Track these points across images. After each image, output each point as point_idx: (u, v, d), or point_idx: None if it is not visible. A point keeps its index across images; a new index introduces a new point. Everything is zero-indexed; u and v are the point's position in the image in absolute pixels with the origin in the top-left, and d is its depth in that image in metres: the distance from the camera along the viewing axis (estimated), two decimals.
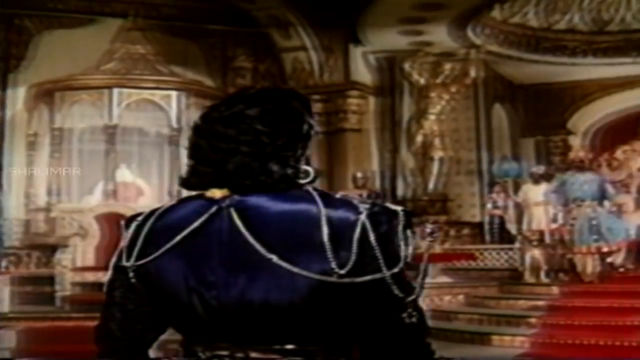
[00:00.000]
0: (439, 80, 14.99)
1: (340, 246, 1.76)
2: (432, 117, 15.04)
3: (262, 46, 14.31)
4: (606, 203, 12.36)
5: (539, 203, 14.70)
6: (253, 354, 1.82)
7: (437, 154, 15.02)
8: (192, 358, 1.89)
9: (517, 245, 13.79)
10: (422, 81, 15.03)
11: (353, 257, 1.75)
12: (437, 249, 14.17)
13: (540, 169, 15.11)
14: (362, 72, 14.93)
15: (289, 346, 1.82)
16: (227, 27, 14.09)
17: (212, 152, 1.89)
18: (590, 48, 15.81)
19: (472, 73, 15.01)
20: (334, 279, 1.74)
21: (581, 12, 15.66)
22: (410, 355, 1.85)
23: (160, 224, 1.94)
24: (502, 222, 14.91)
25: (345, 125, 14.81)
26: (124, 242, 2.00)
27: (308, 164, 1.96)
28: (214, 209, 1.86)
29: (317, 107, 14.80)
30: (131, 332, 2.00)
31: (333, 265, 1.74)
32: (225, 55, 14.19)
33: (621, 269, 12.45)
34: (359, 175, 13.64)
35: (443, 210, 14.85)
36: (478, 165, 15.78)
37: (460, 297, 12.71)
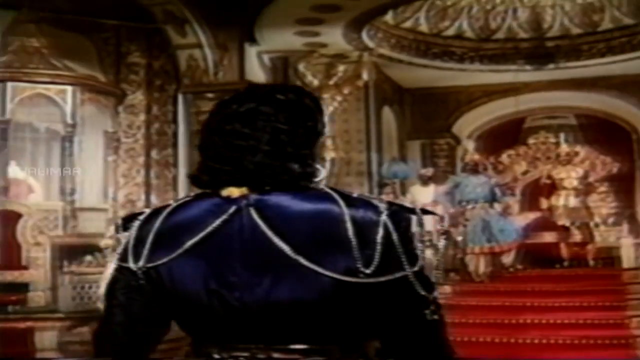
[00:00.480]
0: (332, 82, 15.39)
1: (365, 246, 1.81)
2: (325, 118, 15.44)
3: (157, 42, 14.22)
4: (496, 205, 13.19)
5: (427, 204, 15.47)
6: (275, 355, 1.85)
7: (329, 155, 15.39)
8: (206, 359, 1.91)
9: None
10: (315, 82, 15.36)
11: (377, 257, 1.81)
12: None
13: (429, 171, 15.88)
14: (257, 71, 15.09)
15: (310, 346, 1.86)
16: (121, 22, 14.01)
17: (229, 149, 1.92)
18: (477, 54, 16.58)
19: (365, 76, 15.45)
20: (359, 278, 1.80)
21: (470, 20, 16.41)
22: (433, 352, 1.92)
23: (170, 224, 1.94)
24: None
25: None
26: (123, 243, 2.01)
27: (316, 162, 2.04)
28: (232, 208, 1.88)
29: (210, 105, 14.88)
30: (134, 335, 2.01)
31: (358, 265, 1.80)
32: (119, 50, 14.04)
33: (511, 269, 13.23)
34: None
35: None
36: (368, 167, 16.23)
37: None
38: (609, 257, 13.12)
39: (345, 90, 15.50)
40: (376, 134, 16.42)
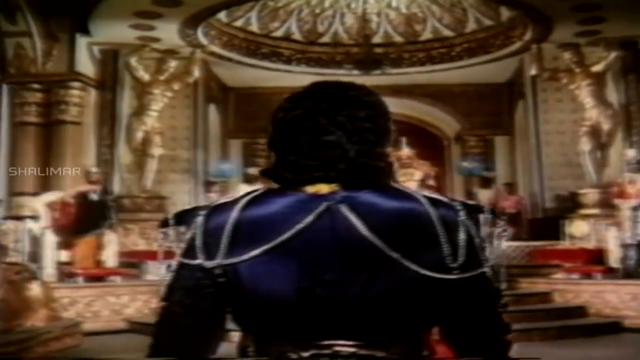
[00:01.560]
0: (163, 78, 15.32)
1: (452, 244, 1.85)
2: (154, 114, 15.30)
3: None
4: None
5: None
6: (361, 351, 1.86)
7: (157, 151, 15.33)
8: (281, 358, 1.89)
9: None
10: (146, 77, 15.26)
11: (463, 254, 1.85)
12: (154, 246, 14.62)
13: (255, 170, 16.14)
14: (86, 63, 14.78)
15: (393, 341, 1.88)
16: None
17: (316, 146, 1.90)
18: (304, 57, 17.15)
19: (196, 73, 15.54)
20: (448, 275, 1.84)
21: (298, 22, 16.94)
22: (498, 343, 1.98)
23: (248, 220, 1.89)
24: None
25: (65, 117, 14.52)
26: (186, 239, 1.93)
27: None
28: (322, 205, 1.85)
29: (37, 97, 14.48)
30: (200, 337, 1.96)
31: (448, 261, 1.84)
32: None
33: None
34: (94, 170, 13.54)
35: (160, 208, 15.18)
36: (193, 165, 16.34)
37: None
38: None
39: (175, 87, 15.47)
40: (203, 132, 16.47)
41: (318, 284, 1.82)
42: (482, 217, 1.94)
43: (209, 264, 1.87)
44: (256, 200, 1.92)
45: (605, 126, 14.94)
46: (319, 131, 1.90)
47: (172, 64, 15.36)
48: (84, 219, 12.77)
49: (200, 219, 1.91)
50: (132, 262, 13.57)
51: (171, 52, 15.29)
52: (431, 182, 14.77)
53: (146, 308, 12.50)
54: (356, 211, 1.83)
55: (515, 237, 13.86)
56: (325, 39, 17.21)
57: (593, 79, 14.98)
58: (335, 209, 1.84)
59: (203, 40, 15.32)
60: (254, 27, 16.53)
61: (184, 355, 1.94)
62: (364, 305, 1.83)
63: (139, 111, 15.49)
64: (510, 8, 14.89)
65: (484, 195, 16.50)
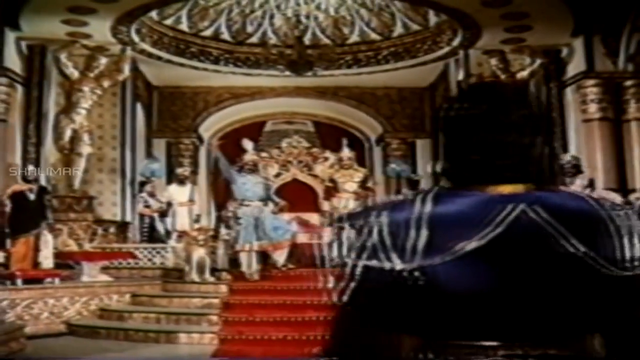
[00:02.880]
0: (92, 75, 15.02)
1: (625, 242, 1.88)
2: (83, 111, 14.98)
3: None
4: (270, 204, 13.70)
5: (183, 203, 15.64)
6: (551, 351, 1.89)
7: (85, 150, 15.02)
8: None
9: (172, 244, 14.50)
10: (76, 74, 14.92)
11: (637, 252, 1.88)
12: (87, 247, 14.38)
13: (186, 170, 16.05)
14: (14, 59, 14.37)
15: (575, 340, 1.91)
16: None
17: (500, 147, 1.92)
18: (232, 57, 17.11)
19: (125, 70, 15.32)
20: (629, 272, 1.87)
21: (228, 22, 16.89)
22: None
23: (436, 221, 1.88)
24: (152, 221, 15.48)
25: None
26: (369, 240, 1.91)
27: None
28: (510, 205, 1.86)
29: None
30: (376, 342, 1.94)
31: (626, 259, 1.87)
32: None
33: (283, 268, 13.71)
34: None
35: (88, 208, 14.91)
36: (121, 164, 16.11)
37: (127, 296, 13.01)
38: None
39: (105, 84, 15.18)
40: (130, 131, 16.24)
41: (514, 285, 1.84)
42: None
43: (405, 266, 1.85)
44: (436, 200, 1.91)
45: None
46: (499, 131, 1.92)
47: (102, 61, 15.07)
48: (21, 219, 12.45)
49: (383, 219, 1.90)
50: (68, 264, 13.31)
51: (101, 49, 15.01)
52: (370, 184, 15.09)
53: (85, 310, 12.32)
54: (544, 211, 1.85)
55: None
56: (254, 39, 17.23)
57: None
58: (522, 209, 1.85)
59: (134, 37, 15.11)
60: (184, 25, 16.41)
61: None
62: (555, 305, 1.86)
63: (67, 109, 15.15)
64: (442, 14, 15.21)
65: None
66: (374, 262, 1.89)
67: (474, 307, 1.86)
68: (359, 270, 1.91)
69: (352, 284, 1.92)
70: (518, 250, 1.85)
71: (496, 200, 1.88)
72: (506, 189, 1.90)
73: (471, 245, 1.82)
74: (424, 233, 1.85)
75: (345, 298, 1.93)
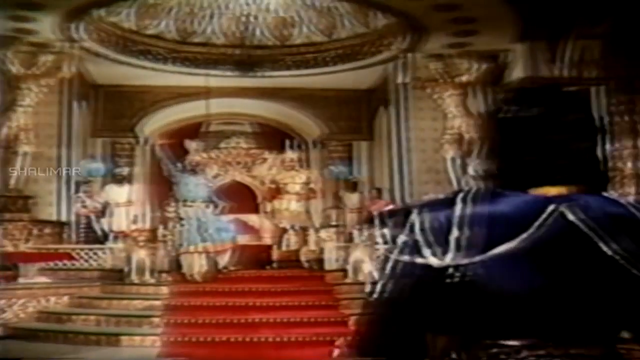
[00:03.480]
0: (32, 72, 14.70)
1: None
2: (21, 109, 14.68)
3: None
4: (212, 206, 13.63)
5: (121, 204, 15.43)
6: (572, 351, 1.91)
7: (22, 149, 14.71)
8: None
9: (111, 244, 14.27)
10: (15, 71, 14.58)
11: None
12: (23, 247, 14.06)
13: (125, 170, 15.83)
14: None
15: (601, 341, 1.95)
16: None
17: (563, 150, 1.97)
18: (178, 56, 16.92)
19: (66, 68, 15.01)
20: None
21: (172, 21, 16.71)
22: None
23: (475, 219, 1.90)
24: (90, 221, 15.20)
25: None
26: (405, 238, 1.93)
27: None
28: (551, 207, 1.89)
29: None
30: (405, 339, 1.96)
31: None
32: None
33: (225, 270, 13.64)
34: None
35: (25, 207, 14.58)
36: (58, 163, 15.78)
37: (66, 298, 12.79)
38: (320, 259, 14.06)
39: (45, 82, 14.87)
40: (67, 130, 15.93)
41: (550, 285, 1.88)
42: None
43: (440, 262, 1.87)
44: (475, 199, 1.94)
45: (468, 135, 15.71)
46: (554, 133, 1.97)
47: (43, 58, 14.77)
48: None
49: (415, 217, 1.93)
50: (5, 265, 13.01)
51: (45, 46, 14.67)
52: (313, 185, 15.11)
53: (23, 312, 12.08)
54: (580, 215, 1.88)
55: None
56: (200, 38, 17.07)
57: (459, 89, 15.73)
58: (560, 211, 1.88)
59: (82, 35, 14.83)
60: (131, 23, 16.18)
61: (392, 357, 1.95)
62: (589, 306, 1.89)
63: (7, 106, 14.85)
64: (390, 17, 15.26)
65: (351, 199, 16.98)
66: (413, 259, 1.91)
67: (504, 307, 1.89)
68: (399, 266, 1.93)
69: (386, 280, 1.95)
70: (555, 252, 1.88)
71: (539, 201, 1.91)
72: (551, 190, 1.94)
73: (509, 245, 1.85)
74: (457, 233, 1.88)
75: (376, 295, 1.95)
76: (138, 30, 16.50)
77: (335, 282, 13.36)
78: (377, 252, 13.28)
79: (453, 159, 15.72)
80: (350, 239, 14.79)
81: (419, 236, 1.91)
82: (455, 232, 1.88)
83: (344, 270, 13.62)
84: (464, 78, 15.66)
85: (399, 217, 1.97)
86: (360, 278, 13.04)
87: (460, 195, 1.95)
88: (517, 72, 15.36)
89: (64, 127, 15.98)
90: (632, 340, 2.04)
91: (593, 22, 14.05)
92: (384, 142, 18.00)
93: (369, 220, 2.01)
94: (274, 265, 14.36)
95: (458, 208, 1.91)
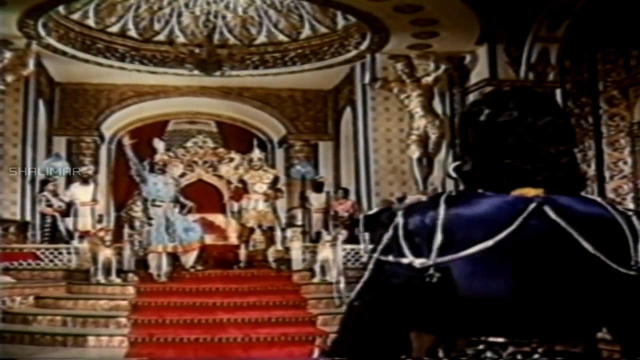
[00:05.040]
0: None
1: (635, 246, 1.97)
2: None
3: None
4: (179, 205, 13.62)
5: (85, 203, 15.35)
6: (557, 347, 1.95)
7: None
8: (483, 356, 1.95)
9: (76, 244, 14.16)
10: None
11: None
12: None
13: (90, 169, 15.75)
14: None
15: (576, 340, 1.99)
16: None
17: (528, 152, 2.01)
18: (139, 54, 16.84)
19: (30, 65, 14.86)
20: (635, 273, 1.95)
21: (135, 19, 16.61)
22: None
23: (457, 220, 1.94)
24: (55, 221, 15.08)
25: None
26: (386, 237, 1.98)
27: None
28: (531, 207, 1.93)
29: None
30: (386, 339, 1.97)
31: (634, 262, 1.95)
32: None
33: (192, 270, 13.62)
34: None
35: None
36: (22, 162, 15.69)
37: (31, 298, 12.69)
38: (287, 259, 14.10)
39: (8, 79, 14.70)
40: (33, 128, 15.79)
41: (534, 282, 1.91)
42: None
43: (421, 262, 1.91)
44: (457, 200, 1.99)
45: (433, 136, 15.79)
46: (531, 136, 2.00)
47: (7, 55, 14.58)
48: None
49: (399, 219, 1.97)
50: None
51: (6, 43, 14.51)
52: (279, 185, 15.14)
53: None
54: (561, 214, 1.93)
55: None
56: (161, 37, 17.02)
57: (422, 90, 15.74)
58: (542, 210, 1.93)
59: (41, 31, 14.68)
60: (90, 21, 16.05)
61: (371, 356, 1.97)
62: (569, 304, 1.94)
63: None
64: (351, 17, 15.36)
65: (316, 199, 17.05)
66: (397, 259, 1.94)
67: (487, 305, 1.92)
68: (383, 266, 1.96)
69: (369, 281, 1.97)
70: (537, 249, 1.92)
71: (520, 201, 1.95)
72: (531, 191, 1.97)
73: (485, 244, 1.89)
74: (440, 233, 1.91)
75: (359, 295, 1.97)
76: (100, 28, 16.37)
77: (303, 282, 13.41)
78: (344, 252, 13.47)
79: (419, 159, 15.78)
80: (316, 238, 14.85)
81: (402, 238, 1.95)
82: (439, 233, 1.91)
83: (310, 270, 13.69)
84: (427, 79, 15.72)
85: (384, 219, 2.01)
86: (327, 278, 13.11)
87: (444, 197, 1.99)
88: (478, 75, 15.49)
89: (29, 125, 15.87)
90: (613, 340, 2.11)
91: (551, 25, 14.25)
92: (350, 142, 18.10)
93: (354, 223, 2.08)
94: (241, 265, 14.35)
95: (441, 210, 1.94)
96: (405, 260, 1.93)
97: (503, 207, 1.95)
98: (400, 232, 1.95)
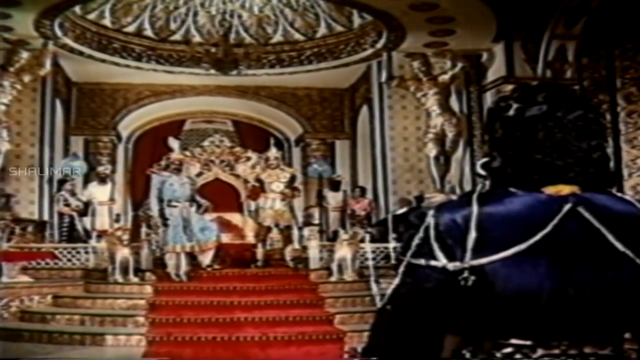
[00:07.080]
0: (13, 69, 14.60)
1: None
2: (2, 107, 14.58)
3: None
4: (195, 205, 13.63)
5: (103, 202, 15.40)
6: (586, 349, 1.92)
7: (3, 147, 14.61)
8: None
9: (93, 243, 14.21)
10: None
11: None
12: (5, 246, 13.97)
13: (107, 169, 15.79)
14: None
15: (611, 340, 1.97)
16: None
17: (560, 148, 1.98)
18: (155, 54, 16.89)
19: (47, 65, 14.92)
20: None
21: (151, 19, 16.67)
22: None
23: (489, 221, 1.91)
24: (72, 220, 15.14)
25: None
26: (417, 239, 1.94)
27: None
28: (567, 206, 1.91)
29: None
30: (422, 344, 1.94)
31: None
32: None
33: (209, 269, 13.63)
34: None
35: (6, 206, 14.51)
36: (40, 161, 15.75)
37: (49, 297, 12.74)
38: (304, 258, 14.10)
39: (25, 79, 14.77)
40: (50, 127, 15.86)
41: (569, 284, 1.88)
42: None
43: (456, 265, 1.88)
44: (489, 199, 1.96)
45: (450, 134, 15.77)
46: (561, 132, 1.98)
47: (24, 55, 14.65)
48: None
49: (430, 219, 1.94)
50: None
51: (22, 43, 14.58)
52: (296, 184, 15.12)
53: (6, 312, 12.03)
54: (596, 214, 1.91)
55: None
56: (177, 37, 17.06)
57: (439, 89, 15.73)
58: (576, 211, 1.90)
59: (58, 32, 14.72)
60: (107, 21, 16.11)
61: None
62: (606, 304, 1.90)
63: None
64: (367, 15, 15.29)
65: (333, 198, 17.06)
66: (428, 262, 1.91)
67: (520, 307, 1.89)
68: (415, 269, 1.94)
69: (401, 284, 1.95)
70: (564, 251, 1.89)
71: (554, 201, 1.93)
72: (564, 189, 1.95)
73: (519, 247, 1.86)
74: (474, 235, 1.88)
75: (385, 299, 1.96)
76: (116, 28, 16.42)
77: (320, 281, 13.40)
78: (362, 251, 13.44)
79: (436, 158, 15.77)
80: (334, 237, 14.83)
81: (433, 239, 1.92)
82: (473, 234, 1.88)
83: (328, 269, 13.68)
84: (444, 77, 15.68)
85: (413, 219, 1.99)
86: (345, 277, 13.11)
87: (475, 195, 1.97)
88: (495, 72, 15.44)
89: (46, 124, 15.94)
90: (631, 339, 2.07)
91: (568, 22, 14.19)
92: (366, 141, 18.10)
93: (380, 223, 2.06)
94: (258, 264, 14.35)
95: (475, 208, 1.92)
96: (437, 264, 1.90)
97: (537, 207, 1.93)
98: (432, 233, 1.93)
